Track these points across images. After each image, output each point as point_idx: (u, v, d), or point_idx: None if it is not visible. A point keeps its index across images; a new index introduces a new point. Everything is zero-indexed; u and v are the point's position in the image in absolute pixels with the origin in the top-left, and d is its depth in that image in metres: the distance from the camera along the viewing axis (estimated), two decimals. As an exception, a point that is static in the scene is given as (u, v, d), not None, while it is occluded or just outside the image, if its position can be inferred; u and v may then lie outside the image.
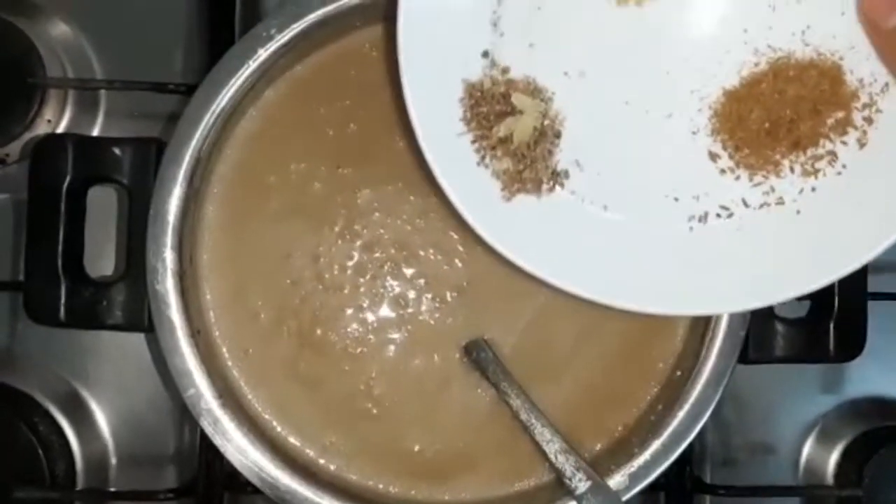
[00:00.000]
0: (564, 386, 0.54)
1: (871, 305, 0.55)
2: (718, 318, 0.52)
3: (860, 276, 0.53)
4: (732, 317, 0.52)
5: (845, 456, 0.63)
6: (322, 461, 0.53)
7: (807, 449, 0.65)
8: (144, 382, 0.61)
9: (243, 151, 0.54)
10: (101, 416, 0.61)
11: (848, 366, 0.64)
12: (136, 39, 0.63)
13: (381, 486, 0.53)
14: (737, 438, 0.64)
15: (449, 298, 0.54)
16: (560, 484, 0.52)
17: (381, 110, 0.54)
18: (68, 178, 0.50)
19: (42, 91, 0.60)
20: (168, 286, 0.49)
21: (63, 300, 0.50)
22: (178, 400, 0.59)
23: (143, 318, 0.51)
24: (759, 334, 0.54)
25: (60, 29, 0.63)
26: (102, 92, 0.63)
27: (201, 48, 0.62)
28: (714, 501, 0.63)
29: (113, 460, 0.61)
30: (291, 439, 0.53)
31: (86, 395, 0.61)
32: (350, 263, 0.54)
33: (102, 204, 0.56)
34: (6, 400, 0.60)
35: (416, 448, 0.54)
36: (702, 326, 0.53)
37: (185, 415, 0.61)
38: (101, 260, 0.57)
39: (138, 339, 0.60)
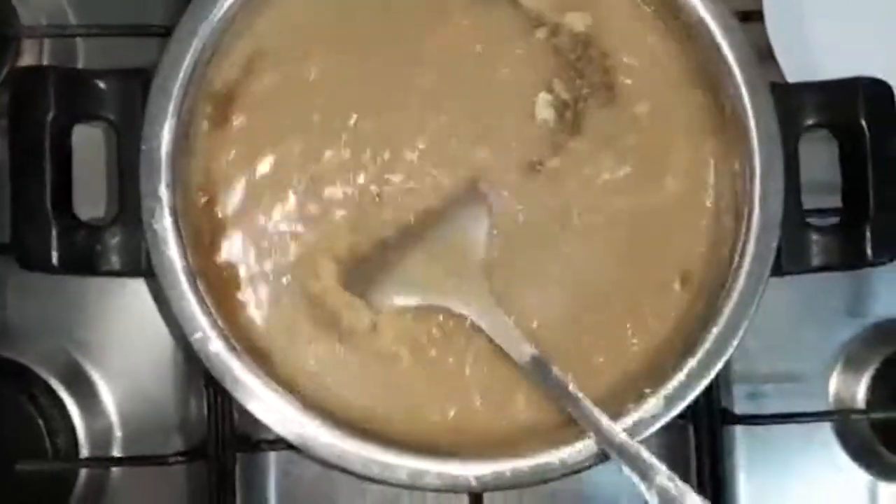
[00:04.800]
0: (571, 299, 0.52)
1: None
2: (748, 230, 0.50)
3: (895, 167, 0.52)
4: (763, 227, 0.50)
5: (876, 380, 0.61)
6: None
7: (835, 376, 0.63)
8: (146, 348, 0.59)
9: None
10: (103, 384, 0.59)
11: (873, 288, 0.63)
12: (111, -17, 0.60)
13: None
14: (763, 369, 0.62)
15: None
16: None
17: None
18: (51, 114, 0.47)
19: (17, 42, 0.57)
20: (166, 224, 0.47)
21: (55, 244, 0.47)
22: (185, 353, 0.58)
23: (140, 261, 0.48)
24: (791, 244, 0.51)
25: (32, -22, 0.60)
26: (80, 43, 0.60)
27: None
28: (743, 432, 0.61)
29: (117, 429, 0.59)
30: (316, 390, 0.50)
31: (85, 363, 0.59)
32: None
33: (88, 145, 0.53)
34: (2, 371, 0.57)
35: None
36: (729, 240, 0.51)
37: (191, 377, 0.59)
38: (92, 203, 0.54)
39: (137, 302, 0.58)
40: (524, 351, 0.49)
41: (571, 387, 0.48)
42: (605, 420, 0.48)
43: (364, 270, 0.50)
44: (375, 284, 0.50)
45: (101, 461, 0.58)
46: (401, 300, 0.50)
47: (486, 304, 0.50)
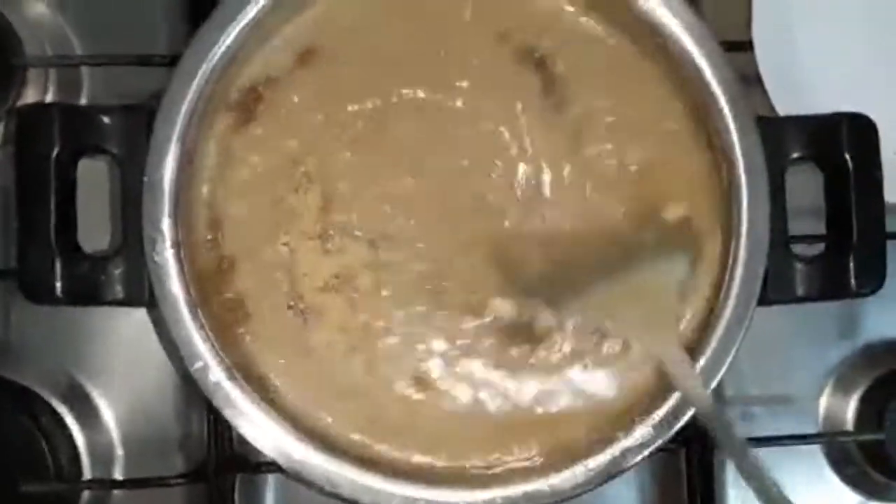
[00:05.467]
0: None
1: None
2: (735, 259, 0.51)
3: (877, 200, 0.52)
4: (750, 255, 0.51)
5: (864, 402, 0.62)
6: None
7: (825, 397, 0.64)
8: (147, 369, 0.60)
9: None
10: (105, 405, 0.60)
11: (861, 311, 0.64)
12: (116, 14, 0.61)
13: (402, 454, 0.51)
14: (754, 391, 0.63)
15: None
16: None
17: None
18: (56, 148, 0.48)
19: (23, 72, 0.58)
20: (167, 256, 0.47)
21: (59, 276, 0.48)
22: (185, 381, 0.59)
23: (143, 292, 0.49)
24: (777, 274, 0.52)
25: (37, 9, 0.61)
26: (85, 73, 0.61)
27: (184, 17, 0.60)
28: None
29: (119, 449, 0.60)
30: (310, 412, 0.51)
31: (87, 384, 0.60)
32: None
33: (92, 179, 0.54)
34: (5, 393, 0.58)
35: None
36: (717, 272, 0.52)
37: (192, 398, 0.60)
38: (96, 236, 0.55)
39: (138, 324, 0.59)
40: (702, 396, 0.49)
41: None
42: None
43: (538, 278, 0.51)
44: (564, 294, 0.50)
45: (104, 483, 0.59)
46: (593, 319, 0.51)
47: (676, 348, 0.50)
